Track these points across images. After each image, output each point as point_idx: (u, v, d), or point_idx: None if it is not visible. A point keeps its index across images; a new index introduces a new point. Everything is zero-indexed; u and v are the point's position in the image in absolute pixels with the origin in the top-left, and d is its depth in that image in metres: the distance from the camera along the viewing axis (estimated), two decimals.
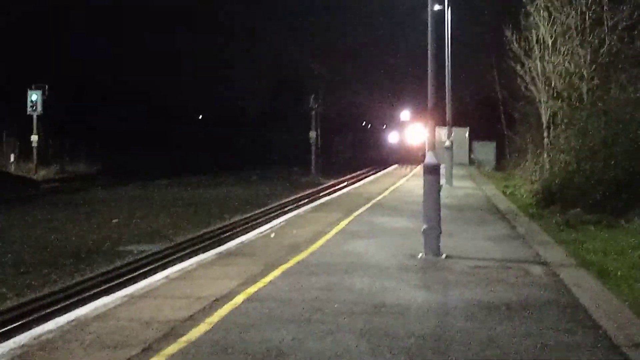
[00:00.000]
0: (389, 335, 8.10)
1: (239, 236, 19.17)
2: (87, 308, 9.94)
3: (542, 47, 29.08)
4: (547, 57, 28.43)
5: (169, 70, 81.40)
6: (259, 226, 21.45)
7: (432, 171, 13.54)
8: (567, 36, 26.66)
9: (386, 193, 29.68)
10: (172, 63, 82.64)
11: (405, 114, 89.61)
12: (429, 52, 14.29)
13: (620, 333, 8.25)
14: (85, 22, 71.18)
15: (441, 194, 13.85)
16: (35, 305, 14.16)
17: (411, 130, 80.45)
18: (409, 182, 37.12)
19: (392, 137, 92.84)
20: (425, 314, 9.08)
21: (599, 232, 16.60)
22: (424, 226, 13.39)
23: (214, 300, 9.84)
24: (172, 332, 8.30)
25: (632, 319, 8.97)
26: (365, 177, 46.71)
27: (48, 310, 13.87)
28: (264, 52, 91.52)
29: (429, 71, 14.27)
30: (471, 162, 56.10)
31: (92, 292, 15.19)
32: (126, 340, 8.05)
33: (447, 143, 34.45)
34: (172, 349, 7.70)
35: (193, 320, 8.86)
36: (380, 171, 52.48)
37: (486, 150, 56.31)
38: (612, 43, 24.42)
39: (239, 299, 9.92)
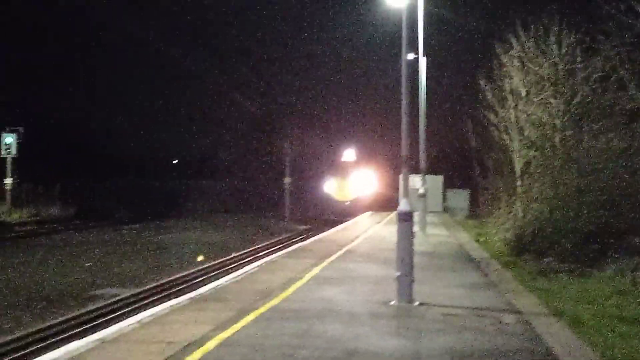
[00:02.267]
0: None
1: (212, 281, 19.10)
2: (58, 352, 9.85)
3: (515, 97, 29.40)
4: (520, 107, 28.72)
5: (143, 114, 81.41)
6: (233, 271, 21.43)
7: (405, 218, 13.58)
8: (540, 86, 26.97)
9: (359, 240, 29.68)
10: (148, 109, 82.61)
11: (349, 154, 74.34)
12: (402, 100, 14.39)
13: None
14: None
15: (414, 241, 13.88)
16: (7, 349, 14.06)
17: (356, 174, 70.46)
18: (382, 229, 37.14)
19: (328, 186, 73.21)
20: None
21: (571, 281, 16.71)
22: (397, 273, 13.41)
23: (186, 345, 9.80)
24: None
25: None
26: (339, 223, 46.71)
27: (19, 354, 13.81)
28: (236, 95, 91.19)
29: (403, 119, 14.37)
30: (444, 209, 56.22)
31: (63, 336, 15.11)
32: None
33: (421, 190, 34.51)
34: None
35: None
36: (352, 218, 52.44)
37: (459, 198, 56.39)
38: (585, 94, 24.69)
39: (211, 344, 9.89)
